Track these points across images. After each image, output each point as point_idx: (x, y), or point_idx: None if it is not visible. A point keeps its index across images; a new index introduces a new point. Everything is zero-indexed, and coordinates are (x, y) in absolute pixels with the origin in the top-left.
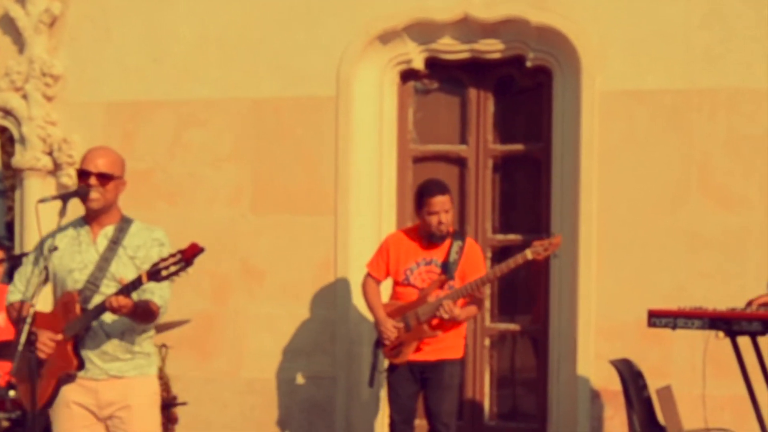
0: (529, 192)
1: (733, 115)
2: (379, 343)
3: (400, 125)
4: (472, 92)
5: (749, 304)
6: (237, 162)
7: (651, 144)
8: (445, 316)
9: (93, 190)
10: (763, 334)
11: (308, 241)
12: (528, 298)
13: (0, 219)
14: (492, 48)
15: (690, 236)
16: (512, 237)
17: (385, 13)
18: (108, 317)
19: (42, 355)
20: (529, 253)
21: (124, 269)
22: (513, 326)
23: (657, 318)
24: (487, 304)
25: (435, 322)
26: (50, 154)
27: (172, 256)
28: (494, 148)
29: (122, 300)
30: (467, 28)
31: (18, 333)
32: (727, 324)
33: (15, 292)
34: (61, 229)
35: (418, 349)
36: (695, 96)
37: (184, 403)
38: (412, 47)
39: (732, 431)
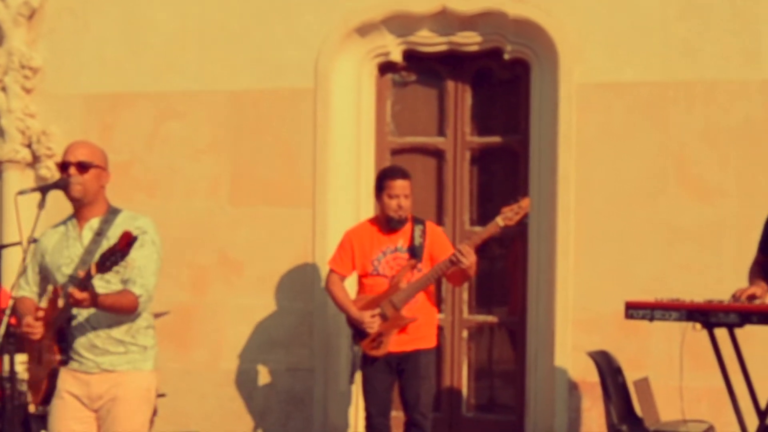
0: (506, 184)
1: (710, 108)
2: (356, 339)
3: (378, 117)
4: (450, 85)
5: (734, 296)
6: (215, 154)
7: (628, 136)
8: (466, 262)
9: (72, 179)
10: (740, 325)
11: (286, 232)
12: (506, 290)
13: None
14: (470, 40)
15: (667, 228)
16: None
17: (364, 6)
18: (92, 311)
19: (34, 337)
20: (500, 220)
21: None
22: (491, 318)
23: (634, 310)
24: (465, 296)
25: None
26: (29, 146)
27: (111, 247)
28: (472, 140)
29: (78, 294)
30: (445, 20)
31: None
32: (705, 316)
33: (22, 288)
34: (53, 227)
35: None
36: (672, 88)
37: (162, 395)
38: (390, 40)
39: (709, 423)
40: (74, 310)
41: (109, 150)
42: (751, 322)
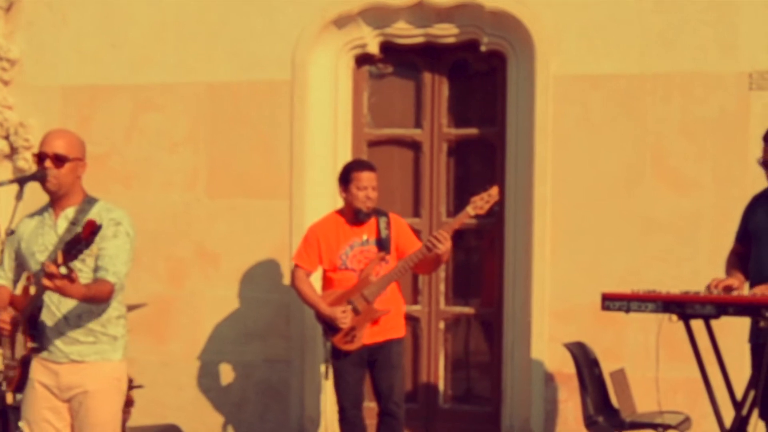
0: (483, 176)
1: (687, 99)
2: (327, 334)
3: (354, 109)
4: (427, 76)
5: (709, 287)
6: (193, 146)
7: (605, 128)
8: (442, 248)
9: (48, 171)
10: (716, 317)
11: (263, 224)
12: (482, 281)
13: None
14: (446, 32)
15: (643, 220)
16: (467, 221)
17: None
18: (63, 300)
19: (5, 334)
20: (470, 209)
21: None
22: (467, 310)
23: (610, 301)
24: (442, 287)
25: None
26: (7, 138)
27: (76, 236)
28: (449, 132)
29: (48, 267)
30: (422, 12)
31: None
32: (681, 307)
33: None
34: (30, 215)
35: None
36: (649, 80)
37: (140, 386)
38: (367, 32)
39: (685, 414)
40: (46, 299)
41: (87, 142)
42: (727, 313)
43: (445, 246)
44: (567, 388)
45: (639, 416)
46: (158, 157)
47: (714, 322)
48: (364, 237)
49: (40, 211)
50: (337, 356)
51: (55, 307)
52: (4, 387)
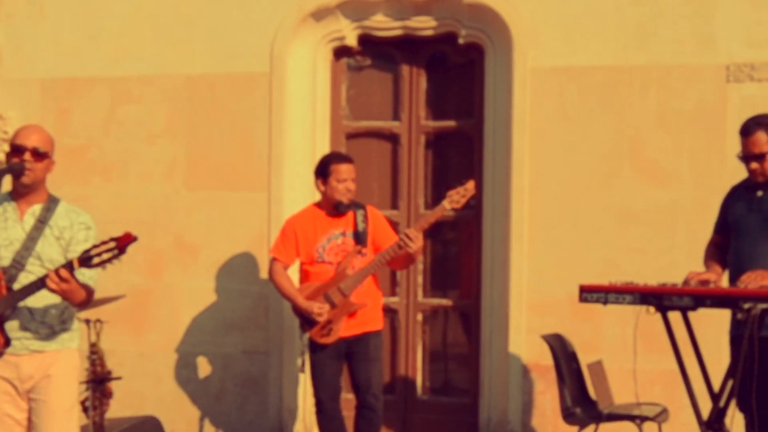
0: (461, 168)
1: (664, 92)
2: (304, 327)
3: (333, 102)
4: (405, 69)
5: (686, 280)
6: (171, 138)
7: (582, 120)
8: (413, 246)
9: (27, 164)
10: (693, 309)
11: (242, 216)
12: (460, 273)
13: None
14: (424, 25)
15: (621, 212)
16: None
17: None
18: (37, 296)
19: None
20: (446, 204)
21: (50, 249)
22: (445, 302)
23: (588, 293)
24: (420, 279)
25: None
26: None
27: (104, 243)
28: (426, 124)
29: (64, 273)
30: (400, 5)
31: None
32: (658, 299)
33: None
34: None
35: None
36: (626, 72)
37: (118, 378)
38: (345, 24)
39: (662, 405)
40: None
41: (65, 134)
42: (704, 305)
43: (416, 245)
44: (545, 380)
45: (616, 408)
46: (137, 149)
47: (691, 314)
48: (342, 230)
49: None
50: (314, 349)
51: (23, 303)
52: None
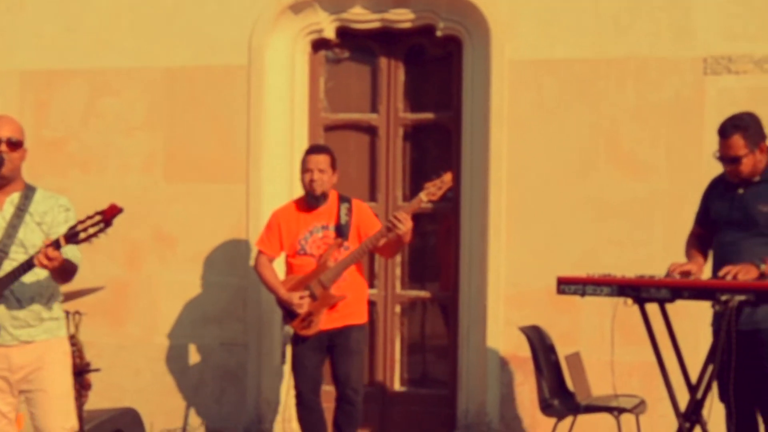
0: (439, 160)
1: (641, 84)
2: (286, 319)
3: (311, 94)
4: (383, 61)
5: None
6: (150, 130)
7: (560, 113)
8: (402, 228)
9: (4, 155)
10: (671, 301)
11: (220, 208)
12: (438, 265)
13: None
14: (402, 18)
15: (598, 204)
16: (422, 205)
17: None
18: (23, 284)
19: None
20: (423, 196)
21: (32, 235)
22: (423, 293)
23: (566, 285)
24: (398, 271)
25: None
26: None
27: (90, 218)
28: (404, 116)
29: (51, 252)
30: None
31: None
32: (636, 291)
33: None
34: None
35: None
36: (604, 65)
37: (97, 370)
38: (324, 17)
39: (640, 397)
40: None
41: (44, 126)
42: (682, 297)
43: (405, 226)
44: (522, 372)
45: (594, 399)
46: (115, 141)
47: (669, 306)
48: (324, 223)
49: None
50: (296, 341)
51: (9, 290)
52: None
